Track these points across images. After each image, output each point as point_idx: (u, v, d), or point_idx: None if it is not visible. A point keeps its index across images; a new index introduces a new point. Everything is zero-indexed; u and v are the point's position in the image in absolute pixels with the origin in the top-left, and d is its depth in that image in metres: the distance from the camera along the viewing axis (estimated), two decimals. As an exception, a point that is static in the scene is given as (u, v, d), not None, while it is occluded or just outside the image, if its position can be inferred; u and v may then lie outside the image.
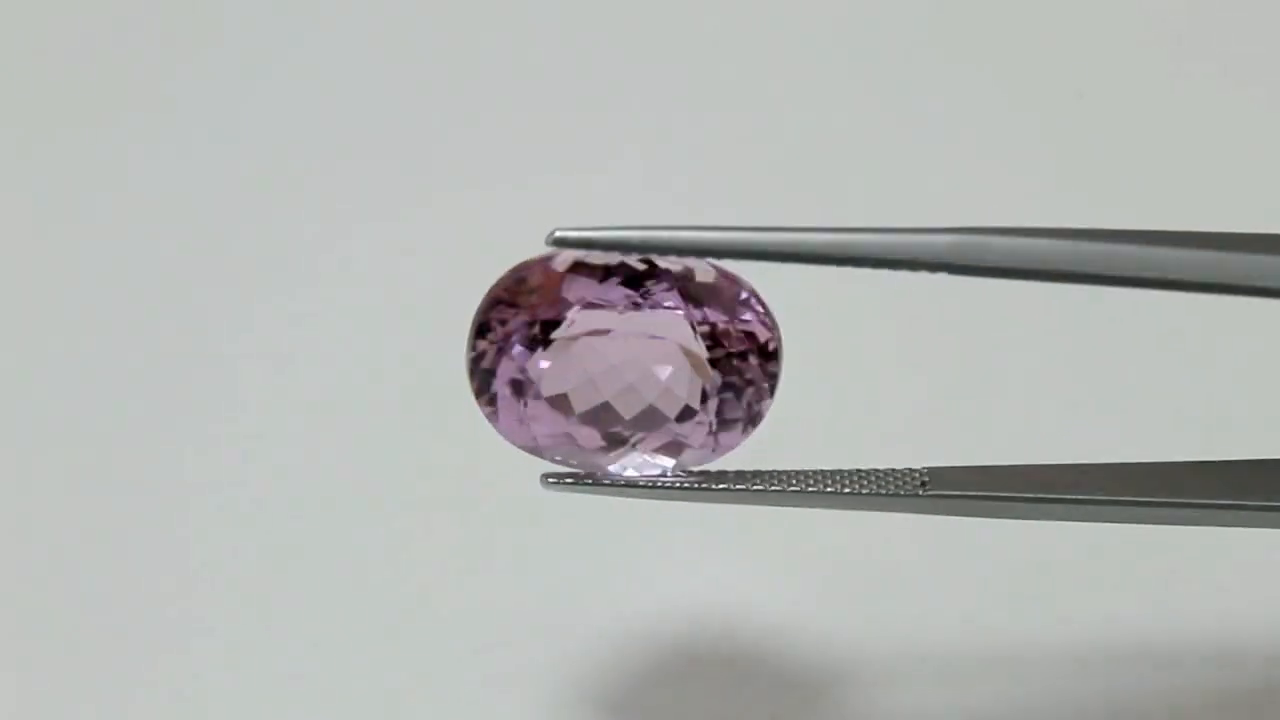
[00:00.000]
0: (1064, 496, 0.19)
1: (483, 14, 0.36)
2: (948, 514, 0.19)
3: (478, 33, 0.35)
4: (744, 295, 0.19)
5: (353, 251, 0.31)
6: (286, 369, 0.29)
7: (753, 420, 0.19)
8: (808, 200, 0.31)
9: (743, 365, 0.18)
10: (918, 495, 0.19)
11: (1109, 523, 0.19)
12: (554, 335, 0.18)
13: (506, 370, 0.18)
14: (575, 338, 0.18)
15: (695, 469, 0.19)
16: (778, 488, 0.19)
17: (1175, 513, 0.19)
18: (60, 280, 0.31)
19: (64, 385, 0.29)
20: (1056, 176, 0.32)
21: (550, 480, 0.19)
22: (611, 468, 0.19)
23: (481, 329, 0.18)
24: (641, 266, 0.18)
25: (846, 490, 0.19)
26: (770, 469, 0.19)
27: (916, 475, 0.19)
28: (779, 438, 0.20)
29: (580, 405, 0.18)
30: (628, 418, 0.18)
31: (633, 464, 0.19)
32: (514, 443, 0.19)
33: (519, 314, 0.18)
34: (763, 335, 0.19)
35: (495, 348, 0.18)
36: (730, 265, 0.18)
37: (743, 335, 0.18)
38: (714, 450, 0.19)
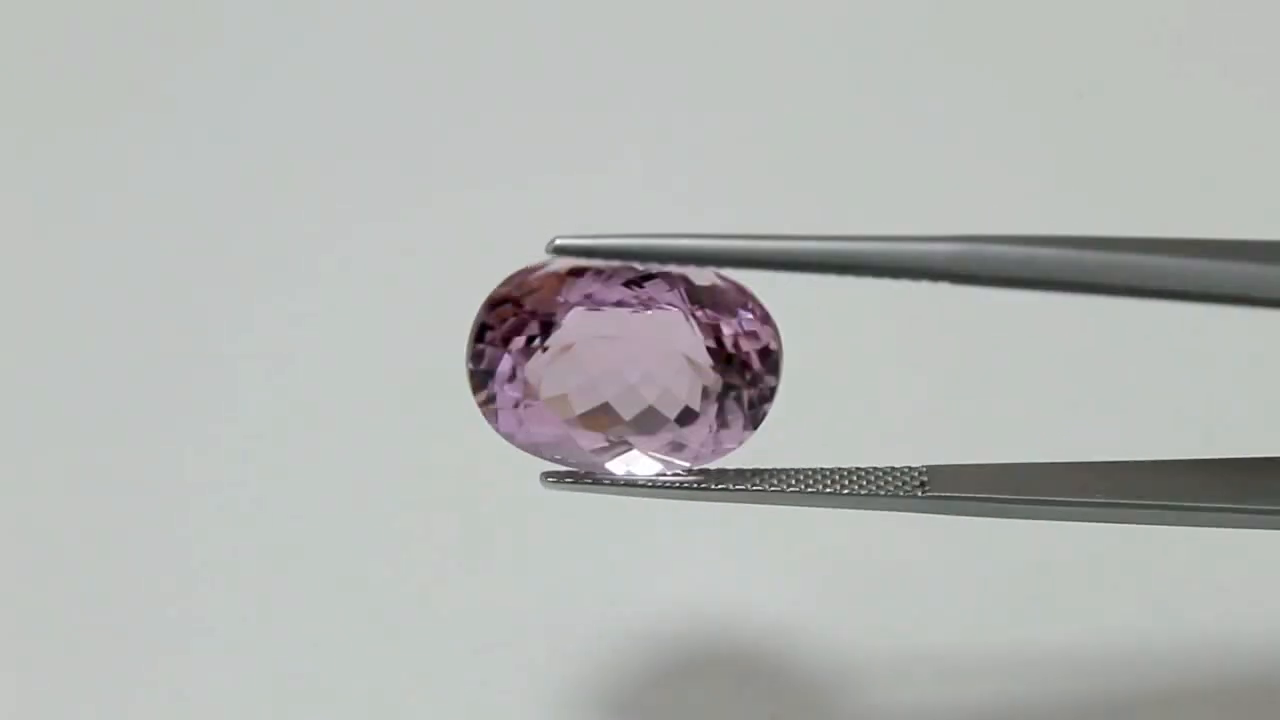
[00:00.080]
0: (1063, 497, 0.19)
1: (483, 14, 0.36)
2: (947, 514, 0.19)
3: (478, 33, 0.35)
4: (743, 298, 0.19)
5: (353, 251, 0.31)
6: (286, 369, 0.29)
7: (753, 422, 0.19)
8: (807, 200, 0.31)
9: (743, 367, 0.18)
10: (917, 497, 0.19)
11: (1108, 523, 0.19)
12: (554, 337, 0.18)
13: (506, 372, 0.18)
14: (575, 339, 0.18)
15: (695, 468, 0.19)
16: (777, 487, 0.19)
17: (1175, 514, 0.19)
18: (60, 280, 0.31)
19: (64, 385, 0.29)
20: (1056, 176, 0.32)
21: (550, 478, 0.19)
22: (611, 467, 0.19)
23: (481, 330, 0.18)
24: (641, 268, 0.18)
25: (846, 491, 0.19)
26: (770, 467, 0.19)
27: (916, 474, 0.19)
28: (779, 437, 0.20)
29: (580, 407, 0.18)
30: (627, 419, 0.18)
31: (633, 464, 0.19)
32: (514, 443, 0.19)
33: (519, 316, 0.18)
34: (763, 337, 0.19)
35: (495, 349, 0.18)
36: (729, 272, 0.18)
37: (743, 336, 0.18)
38: (714, 451, 0.19)
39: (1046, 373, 0.28)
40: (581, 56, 0.35)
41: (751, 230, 0.32)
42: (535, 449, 0.19)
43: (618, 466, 0.19)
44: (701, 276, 0.18)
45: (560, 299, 0.18)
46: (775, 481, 0.19)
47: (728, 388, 0.18)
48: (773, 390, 0.19)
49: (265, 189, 0.32)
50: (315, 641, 0.25)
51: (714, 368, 0.18)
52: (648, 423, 0.18)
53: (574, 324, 0.18)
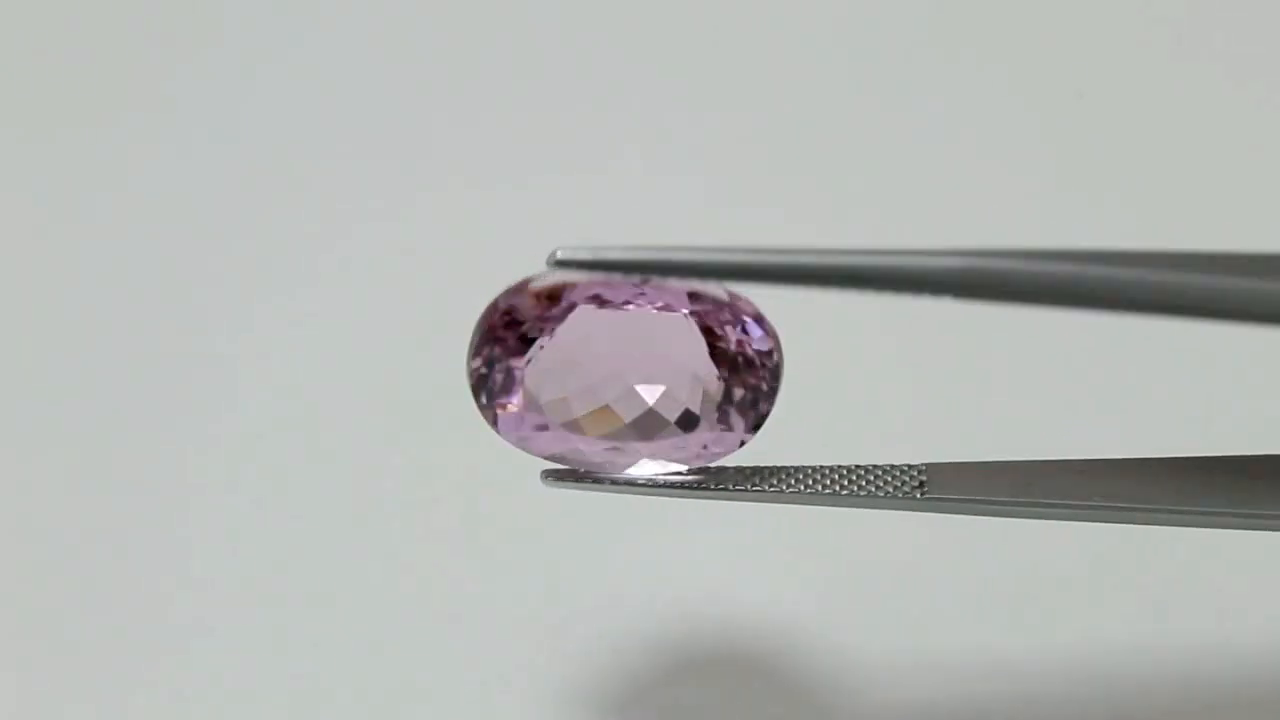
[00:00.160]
0: (1062, 496, 0.19)
1: (483, 14, 0.36)
2: (946, 514, 0.19)
3: (478, 33, 0.35)
4: (743, 302, 0.19)
5: (353, 251, 0.31)
6: (286, 369, 0.29)
7: (754, 425, 0.19)
8: (808, 200, 0.31)
9: (745, 370, 0.18)
10: (915, 498, 0.19)
11: (1108, 523, 0.19)
12: (555, 336, 0.18)
13: (506, 377, 0.18)
14: (577, 340, 0.18)
15: (695, 467, 0.19)
16: (776, 486, 0.19)
17: (1176, 515, 0.19)
18: (60, 280, 0.31)
19: (64, 385, 0.29)
20: (1056, 176, 0.32)
21: (550, 477, 0.19)
22: (611, 467, 0.19)
23: (482, 333, 0.18)
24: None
25: (844, 492, 0.19)
26: (769, 465, 0.19)
27: (915, 473, 0.19)
28: (777, 435, 0.20)
29: (580, 409, 0.18)
30: (628, 421, 0.18)
31: (633, 464, 0.19)
32: (515, 445, 0.19)
33: (520, 318, 0.18)
34: (764, 340, 0.19)
35: (495, 352, 0.18)
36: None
37: (744, 340, 0.18)
38: (714, 454, 0.19)
39: (1046, 369, 0.28)
40: (581, 56, 0.35)
41: (750, 231, 0.32)
42: (536, 450, 0.19)
43: (618, 467, 0.19)
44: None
45: (562, 303, 0.18)
46: (774, 480, 0.19)
47: (729, 391, 0.18)
48: (773, 394, 0.19)
49: (265, 189, 0.32)
50: (315, 641, 0.25)
51: (716, 371, 0.18)
52: (648, 426, 0.18)
53: (577, 323, 0.18)
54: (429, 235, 0.31)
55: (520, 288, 0.18)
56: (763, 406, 0.19)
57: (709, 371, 0.18)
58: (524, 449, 0.19)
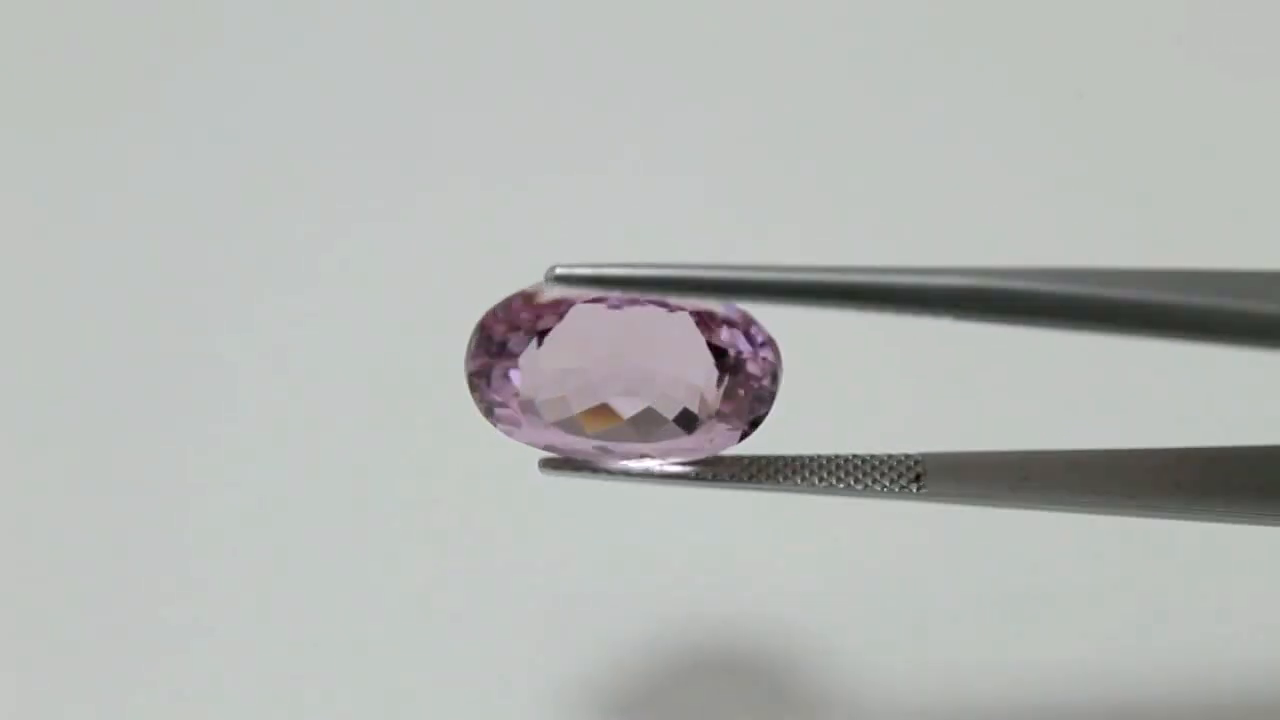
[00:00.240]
0: (1060, 487, 0.19)
1: (483, 14, 0.36)
2: (942, 504, 0.19)
3: (478, 33, 0.35)
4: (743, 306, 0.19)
5: (353, 251, 0.31)
6: (286, 369, 0.29)
7: (752, 424, 0.19)
8: (807, 200, 0.31)
9: (744, 369, 0.18)
10: (912, 491, 0.19)
11: (1108, 515, 0.19)
12: (552, 338, 0.18)
13: (505, 373, 0.18)
14: (574, 341, 0.18)
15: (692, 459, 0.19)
16: (773, 477, 0.19)
17: (1172, 508, 0.19)
18: (60, 280, 0.31)
19: (64, 385, 0.29)
20: (1056, 176, 0.32)
21: (547, 466, 0.19)
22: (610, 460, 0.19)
23: (481, 332, 0.18)
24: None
25: (840, 484, 0.19)
26: (765, 455, 0.19)
27: (911, 463, 0.19)
28: (773, 424, 0.19)
29: (578, 408, 0.18)
30: (626, 419, 0.18)
31: (631, 459, 0.19)
32: (515, 439, 0.19)
33: (519, 316, 0.18)
34: (764, 339, 0.19)
35: (494, 350, 0.18)
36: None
37: (742, 338, 0.18)
38: (712, 450, 0.19)
39: (1044, 359, 0.28)
40: (581, 56, 0.35)
41: (750, 231, 0.32)
42: (535, 445, 0.19)
43: (616, 460, 0.19)
44: None
45: (561, 303, 0.18)
46: (770, 471, 0.19)
47: (728, 391, 0.18)
48: (772, 394, 0.19)
49: (265, 189, 0.32)
50: (315, 641, 0.25)
51: (715, 370, 0.18)
52: (647, 425, 0.18)
53: (575, 322, 0.18)
54: (429, 235, 0.31)
55: (520, 291, 0.18)
56: (761, 407, 0.19)
57: (708, 371, 0.18)
58: (524, 442, 0.19)
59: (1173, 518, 0.19)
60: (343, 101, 0.34)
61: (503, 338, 0.18)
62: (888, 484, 0.19)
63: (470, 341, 0.18)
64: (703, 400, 0.18)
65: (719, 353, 0.18)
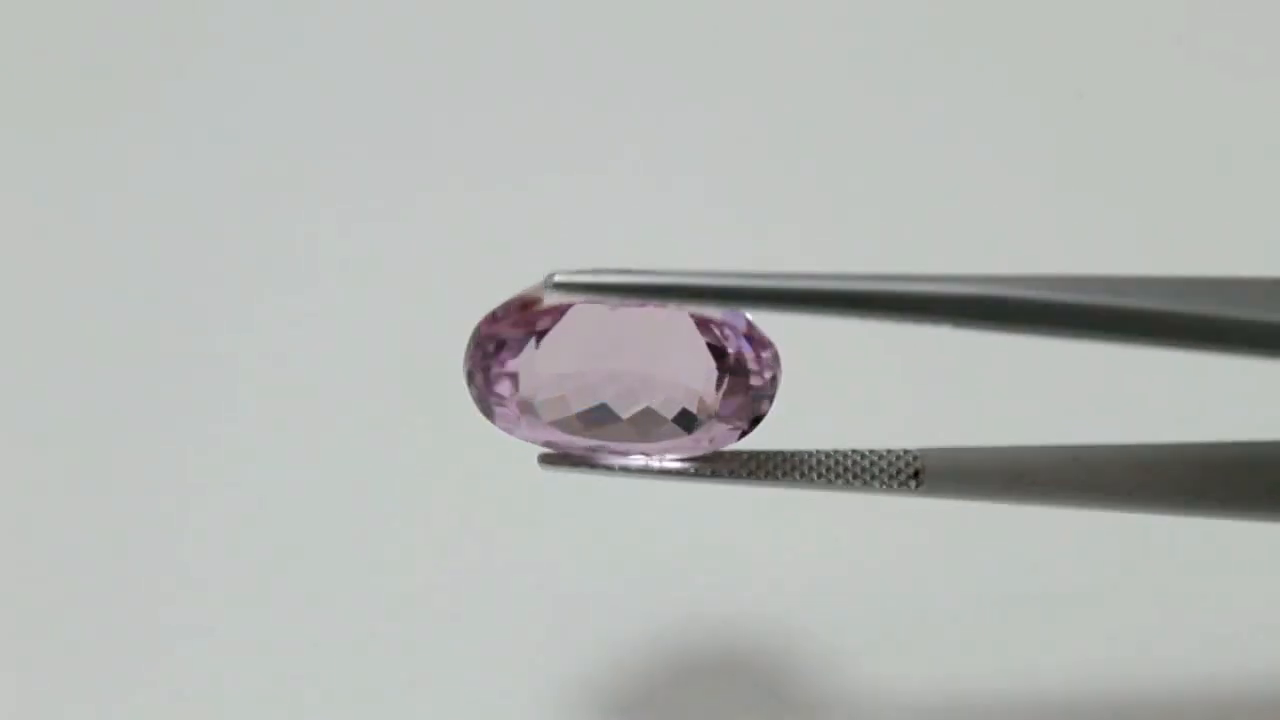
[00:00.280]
0: (1057, 483, 0.19)
1: (483, 14, 0.36)
2: (940, 498, 0.19)
3: (478, 33, 0.35)
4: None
5: (353, 251, 0.31)
6: (286, 369, 0.29)
7: (752, 423, 0.19)
8: (807, 201, 0.31)
9: (744, 368, 0.18)
10: (910, 487, 0.19)
11: (1109, 510, 0.19)
12: (551, 337, 0.18)
13: (504, 373, 0.18)
14: (573, 340, 0.18)
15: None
16: (772, 472, 0.19)
17: (1181, 502, 0.19)
18: (60, 280, 0.31)
19: (64, 385, 0.29)
20: (1056, 176, 0.32)
21: (547, 461, 0.19)
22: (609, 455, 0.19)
23: (480, 332, 0.18)
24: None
25: (838, 480, 0.19)
26: (764, 449, 0.19)
27: (910, 458, 0.19)
28: (772, 418, 0.19)
29: (578, 408, 0.18)
30: (624, 418, 0.18)
31: (630, 455, 0.19)
32: (514, 436, 0.19)
33: (518, 319, 0.18)
34: (763, 339, 0.19)
35: (493, 351, 0.18)
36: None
37: (744, 339, 0.18)
38: (711, 448, 0.19)
39: (1043, 353, 0.28)
40: (581, 56, 0.35)
41: (750, 231, 0.32)
42: (534, 442, 0.19)
43: (615, 456, 0.19)
44: None
45: (559, 303, 0.18)
46: (770, 466, 0.19)
47: (728, 390, 0.18)
48: (772, 394, 0.19)
49: (265, 189, 0.32)
50: (315, 641, 0.25)
51: (715, 370, 0.18)
52: (646, 425, 0.18)
53: (574, 322, 0.18)
54: (429, 235, 0.31)
55: (518, 295, 0.18)
56: (761, 407, 0.19)
57: (708, 372, 0.18)
58: (522, 440, 0.19)
59: (1172, 514, 0.19)
60: (343, 101, 0.34)
61: (501, 338, 0.18)
62: (886, 480, 0.19)
63: (469, 341, 0.18)
64: (702, 401, 0.18)
65: (719, 353, 0.18)
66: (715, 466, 0.19)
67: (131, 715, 0.24)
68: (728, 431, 0.19)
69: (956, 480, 0.19)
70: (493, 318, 0.18)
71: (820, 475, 0.19)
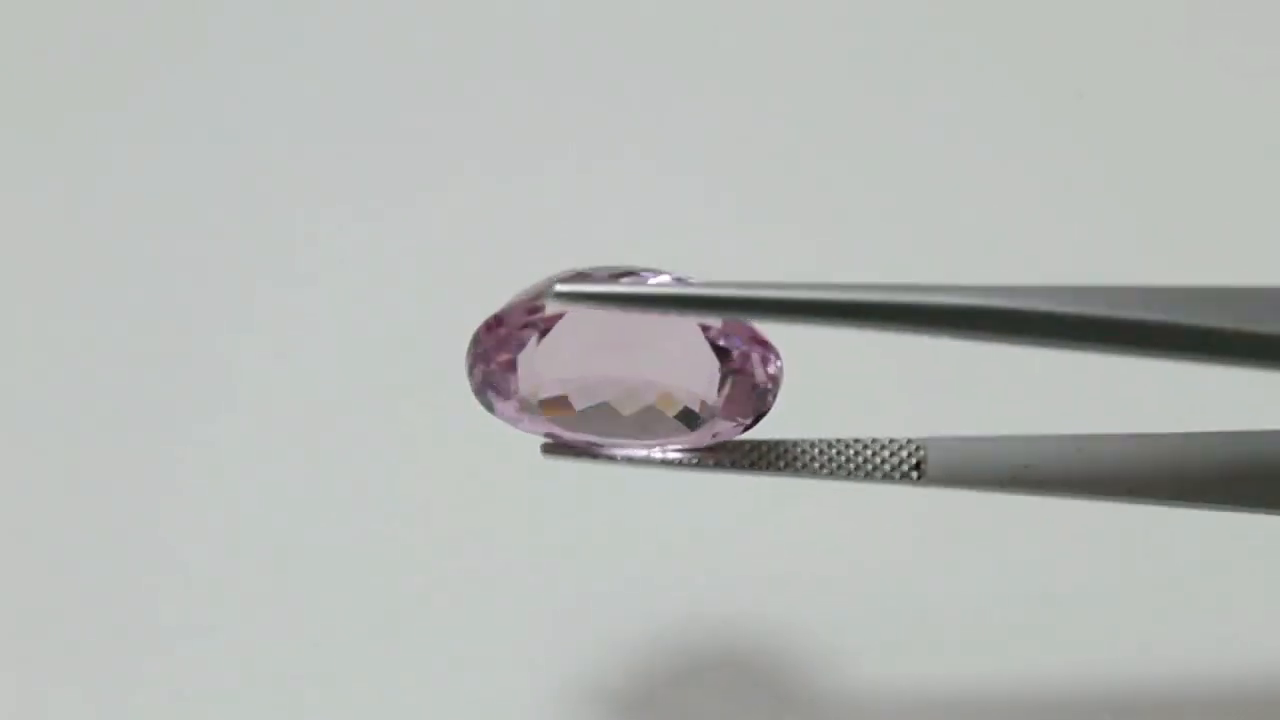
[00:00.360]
0: (1060, 474, 0.19)
1: (483, 14, 0.36)
2: (942, 488, 0.19)
3: (478, 33, 0.35)
4: None
5: (353, 250, 0.31)
6: (286, 368, 0.29)
7: (754, 419, 0.19)
8: (806, 201, 0.31)
9: (747, 369, 0.18)
10: (912, 479, 0.19)
11: (1106, 501, 0.19)
12: (553, 335, 0.18)
13: (505, 372, 0.18)
14: (575, 338, 0.18)
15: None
16: (774, 462, 0.19)
17: (1185, 492, 0.19)
18: (59, 280, 0.31)
19: (63, 385, 0.29)
20: (1056, 176, 0.32)
21: (550, 450, 0.19)
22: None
23: (482, 331, 0.18)
24: (651, 270, 0.18)
25: (841, 470, 0.19)
26: (766, 439, 0.19)
27: (912, 448, 0.19)
28: (777, 409, 0.19)
29: (579, 406, 0.18)
30: (626, 417, 0.18)
31: (632, 449, 0.19)
32: (518, 429, 0.19)
33: (522, 318, 0.18)
34: (765, 338, 0.19)
35: (494, 349, 0.18)
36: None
37: (747, 337, 0.18)
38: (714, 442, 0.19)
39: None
40: (581, 56, 0.35)
41: (749, 231, 0.32)
42: (538, 434, 0.19)
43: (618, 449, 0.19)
44: None
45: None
46: (772, 456, 0.19)
47: (731, 391, 0.18)
48: (774, 391, 0.19)
49: (265, 188, 0.32)
50: (315, 641, 0.25)
51: (718, 367, 0.18)
52: (648, 424, 0.18)
53: (575, 320, 0.18)
54: (429, 234, 0.31)
55: (520, 294, 0.18)
56: (763, 405, 0.19)
57: (710, 371, 0.18)
58: (524, 431, 0.19)
59: (1175, 506, 0.19)
60: (343, 101, 0.34)
61: (504, 336, 0.18)
62: (888, 470, 0.19)
63: (472, 339, 0.18)
64: (704, 400, 0.18)
65: (721, 353, 0.18)
66: (716, 457, 0.19)
67: (131, 715, 0.24)
68: (730, 429, 0.19)
69: (958, 471, 0.19)
70: (495, 318, 0.18)
71: (822, 466, 0.19)
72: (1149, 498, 0.19)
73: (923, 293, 0.15)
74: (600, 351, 0.18)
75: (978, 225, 0.31)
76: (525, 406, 0.18)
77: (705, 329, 0.18)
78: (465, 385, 0.19)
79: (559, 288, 0.16)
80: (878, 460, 0.19)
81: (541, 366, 0.18)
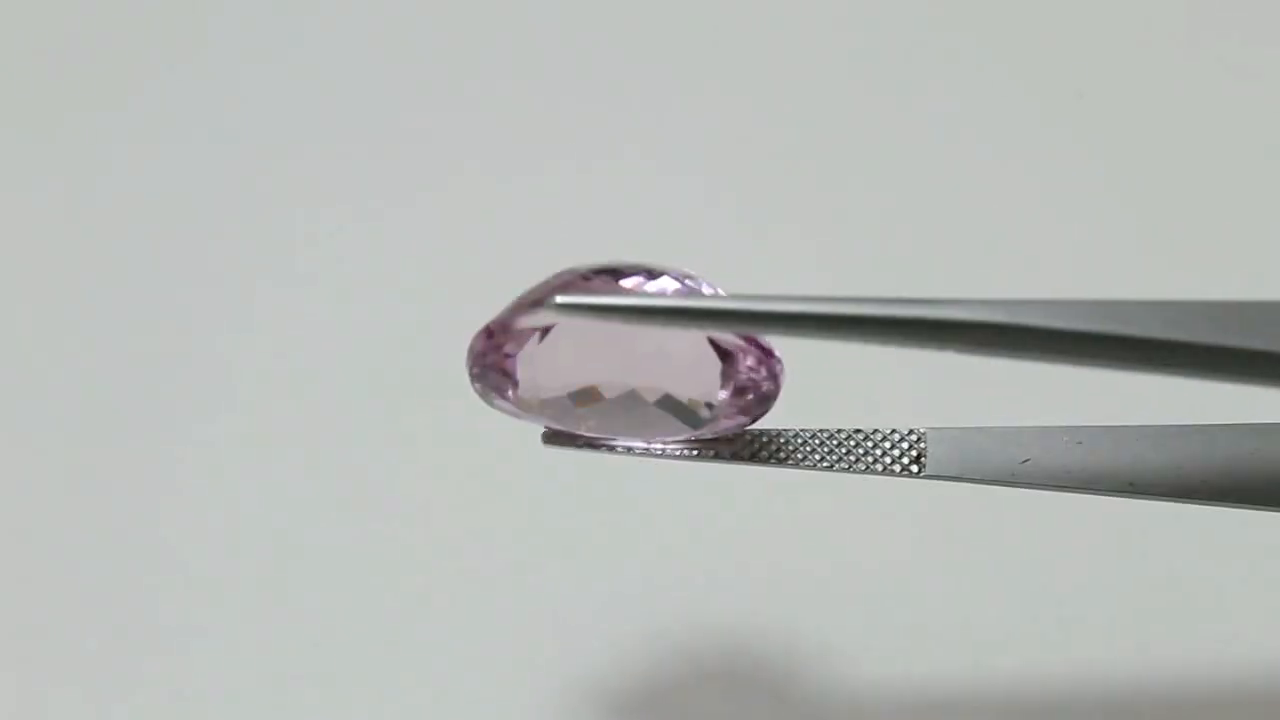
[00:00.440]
0: (1061, 468, 0.19)
1: (483, 14, 0.36)
2: (942, 480, 0.19)
3: (478, 33, 0.35)
4: None
5: (352, 251, 0.31)
6: (286, 369, 0.29)
7: (755, 418, 0.19)
8: (806, 201, 0.31)
9: (748, 369, 0.18)
10: (913, 472, 0.19)
11: (1107, 496, 0.19)
12: (553, 335, 0.18)
13: (505, 371, 0.18)
14: (575, 338, 0.18)
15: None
16: (775, 454, 0.19)
17: (1176, 493, 0.19)
18: (58, 279, 0.31)
19: (63, 385, 0.29)
20: (1056, 176, 0.32)
21: (551, 439, 0.19)
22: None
23: (483, 331, 0.18)
24: (651, 267, 0.18)
25: (841, 463, 0.19)
26: (767, 429, 0.19)
27: (913, 439, 0.19)
28: (779, 403, 0.19)
29: (581, 405, 0.18)
30: (628, 415, 0.18)
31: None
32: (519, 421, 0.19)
33: (525, 319, 0.18)
34: (766, 340, 0.19)
35: (495, 348, 0.18)
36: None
37: (749, 339, 0.18)
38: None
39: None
40: (581, 56, 0.35)
41: (749, 231, 0.32)
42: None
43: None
44: (706, 284, 0.18)
45: None
46: (772, 448, 0.19)
47: (732, 391, 0.18)
48: (775, 391, 0.19)
49: (264, 188, 0.32)
50: (315, 641, 0.25)
51: (719, 367, 0.18)
52: (649, 422, 0.18)
53: (579, 320, 0.18)
54: (429, 234, 0.31)
55: (522, 296, 0.18)
56: (764, 405, 0.19)
57: (712, 370, 0.18)
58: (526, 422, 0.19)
59: (1177, 501, 0.19)
60: (342, 101, 0.34)
61: (505, 335, 0.18)
62: (888, 463, 0.19)
63: (474, 339, 0.18)
64: (706, 401, 0.18)
65: (723, 353, 0.18)
66: (715, 449, 0.19)
67: (131, 715, 0.24)
68: (732, 429, 0.19)
69: (958, 463, 0.19)
70: (498, 320, 0.18)
71: (821, 458, 0.19)
72: (1150, 491, 0.19)
73: (929, 307, 0.15)
74: (601, 352, 0.18)
75: (978, 225, 0.31)
76: (527, 405, 0.18)
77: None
78: (465, 385, 0.19)
79: (560, 299, 0.16)
80: (878, 452, 0.19)
81: (542, 367, 0.18)
